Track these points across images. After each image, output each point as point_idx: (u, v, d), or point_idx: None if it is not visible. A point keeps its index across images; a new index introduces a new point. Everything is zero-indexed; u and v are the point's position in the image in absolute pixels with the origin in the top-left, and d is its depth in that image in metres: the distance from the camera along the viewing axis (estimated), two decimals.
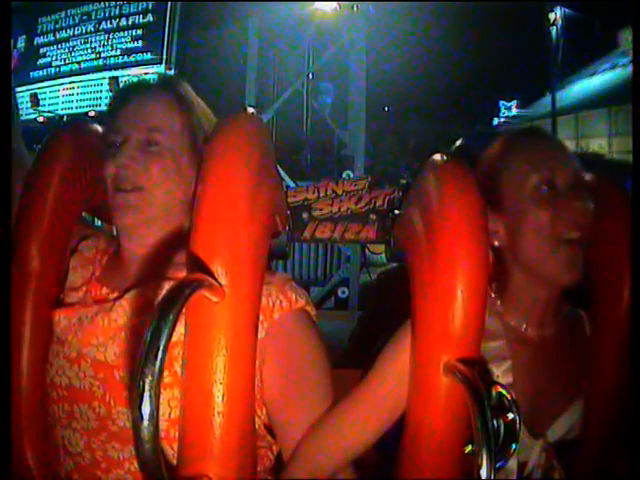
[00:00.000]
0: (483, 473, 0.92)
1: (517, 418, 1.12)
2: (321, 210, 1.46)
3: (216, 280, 0.96)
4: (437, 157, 1.15)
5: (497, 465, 1.09)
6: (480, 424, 0.94)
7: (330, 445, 1.20)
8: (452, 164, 1.14)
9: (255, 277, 1.02)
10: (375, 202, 1.48)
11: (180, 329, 1.00)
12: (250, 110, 1.10)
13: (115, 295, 1.23)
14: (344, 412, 1.21)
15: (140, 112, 1.27)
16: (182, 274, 1.02)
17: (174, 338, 0.81)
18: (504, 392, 1.13)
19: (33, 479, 1.18)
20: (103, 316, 1.20)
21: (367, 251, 7.62)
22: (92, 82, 11.26)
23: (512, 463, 1.23)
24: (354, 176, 7.80)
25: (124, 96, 1.31)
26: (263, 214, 1.03)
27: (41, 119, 11.92)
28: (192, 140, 1.29)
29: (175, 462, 0.98)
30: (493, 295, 1.34)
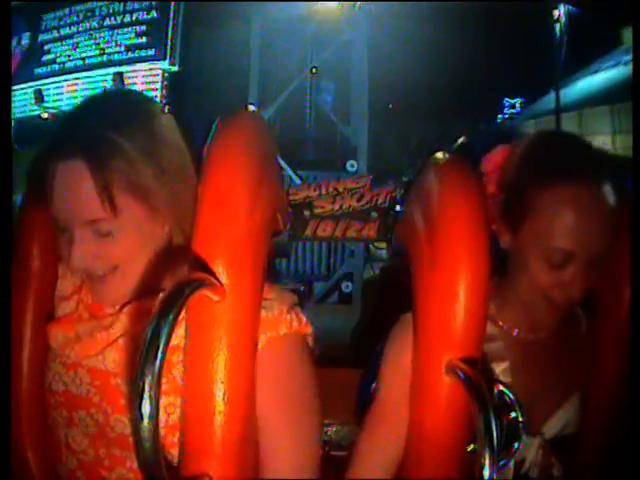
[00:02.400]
0: (486, 473, 0.91)
1: (519, 416, 1.12)
2: (323, 208, 1.46)
3: (217, 279, 0.95)
4: (439, 155, 1.14)
5: (500, 464, 1.09)
6: (482, 423, 0.93)
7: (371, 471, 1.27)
8: (454, 163, 1.14)
9: (256, 276, 1.02)
10: (377, 200, 1.47)
11: (180, 332, 1.00)
12: (251, 108, 1.09)
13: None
14: (371, 438, 1.29)
15: (71, 201, 1.09)
16: None
17: (172, 342, 0.80)
18: (505, 391, 1.13)
19: (33, 479, 1.18)
20: (101, 330, 1.16)
21: (371, 246, 7.64)
22: (96, 78, 11.27)
23: None
24: (357, 168, 7.87)
25: (46, 176, 1.09)
26: (264, 212, 1.03)
27: (45, 116, 11.93)
28: (143, 204, 1.11)
29: (174, 467, 0.98)
30: None
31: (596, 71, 15.39)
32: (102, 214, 1.08)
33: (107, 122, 1.10)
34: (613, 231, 1.22)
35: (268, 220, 1.06)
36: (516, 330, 1.32)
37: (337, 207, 1.48)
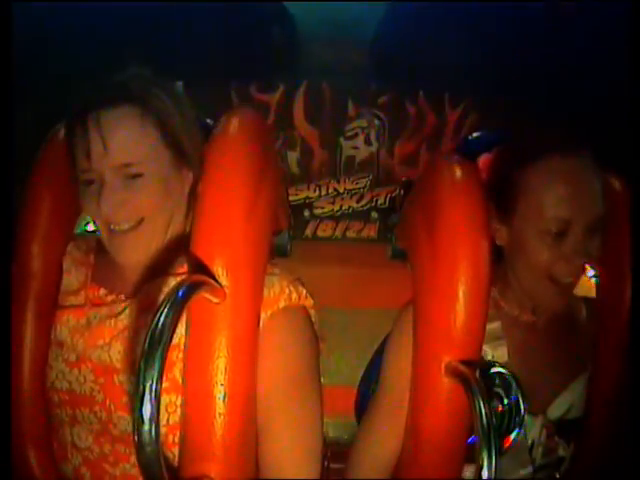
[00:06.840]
0: (484, 473, 0.92)
1: (519, 397, 1.12)
2: (322, 208, 1.45)
3: (216, 281, 0.95)
4: (440, 156, 1.14)
5: (512, 437, 1.10)
6: (481, 424, 0.94)
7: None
8: (455, 163, 1.13)
9: (256, 277, 1.02)
10: (377, 200, 1.47)
11: (180, 330, 1.00)
12: (250, 108, 1.09)
13: (113, 297, 1.20)
14: (370, 433, 1.30)
15: (109, 144, 1.11)
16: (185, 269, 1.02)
17: (173, 341, 0.81)
18: (503, 371, 1.13)
19: (34, 477, 1.18)
20: (111, 317, 1.17)
21: None
22: None
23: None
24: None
25: (84, 122, 1.13)
26: (264, 214, 1.03)
27: None
28: (173, 151, 1.17)
29: (174, 466, 0.98)
30: None
31: None
32: (136, 156, 1.12)
33: (142, 76, 1.20)
34: (603, 197, 1.24)
35: (268, 220, 1.05)
36: (517, 311, 1.32)
37: (337, 208, 1.47)
